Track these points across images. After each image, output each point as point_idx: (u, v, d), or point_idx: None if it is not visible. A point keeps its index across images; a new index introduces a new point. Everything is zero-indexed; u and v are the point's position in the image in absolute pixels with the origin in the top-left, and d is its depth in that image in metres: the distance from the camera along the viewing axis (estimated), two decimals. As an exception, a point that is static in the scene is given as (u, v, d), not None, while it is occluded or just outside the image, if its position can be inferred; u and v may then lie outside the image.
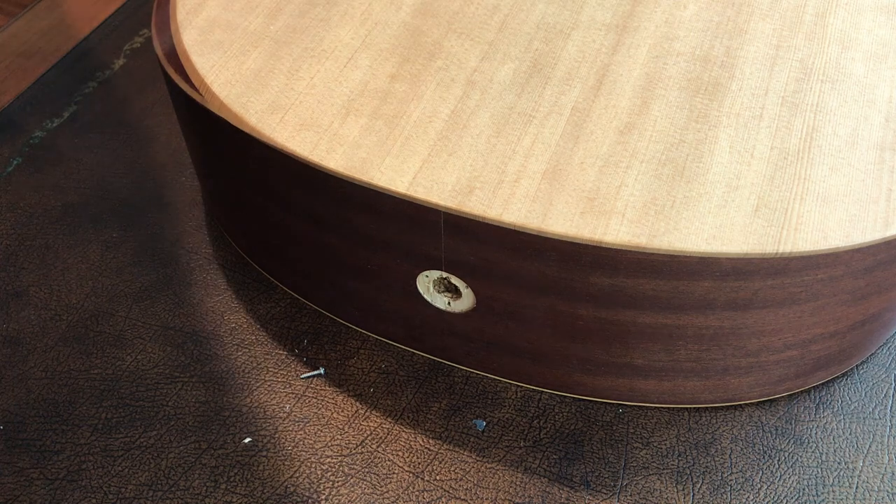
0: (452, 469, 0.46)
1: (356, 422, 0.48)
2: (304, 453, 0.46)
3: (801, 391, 0.48)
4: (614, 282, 0.40)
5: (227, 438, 0.47)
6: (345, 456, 0.46)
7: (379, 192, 0.41)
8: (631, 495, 0.45)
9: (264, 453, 0.47)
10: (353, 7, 0.48)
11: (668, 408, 0.48)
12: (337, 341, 0.51)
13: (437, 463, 0.46)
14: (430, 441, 0.47)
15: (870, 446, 0.46)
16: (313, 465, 0.46)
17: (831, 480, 0.45)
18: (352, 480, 0.45)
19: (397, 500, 0.45)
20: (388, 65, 0.45)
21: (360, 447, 0.47)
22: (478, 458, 0.46)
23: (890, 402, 0.48)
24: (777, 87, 0.44)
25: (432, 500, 0.45)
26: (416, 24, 0.47)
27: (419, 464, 0.46)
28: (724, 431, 0.47)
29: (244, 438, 0.47)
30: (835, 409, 0.47)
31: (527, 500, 0.45)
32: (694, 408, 0.48)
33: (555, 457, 0.46)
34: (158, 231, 0.57)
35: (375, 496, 0.45)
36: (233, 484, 0.45)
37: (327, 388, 0.49)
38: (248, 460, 0.46)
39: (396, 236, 0.43)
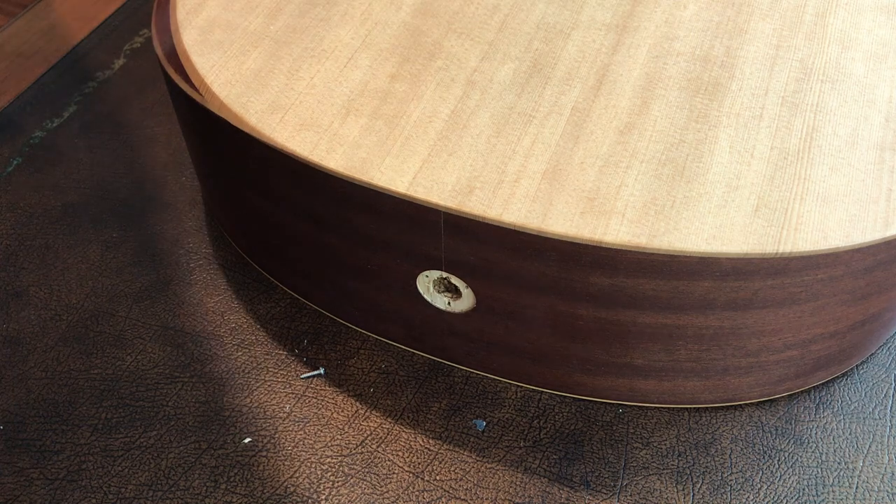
0: (452, 469, 0.46)
1: (356, 422, 0.48)
2: (304, 453, 0.46)
3: (801, 391, 0.48)
4: (614, 282, 0.40)
5: (227, 438, 0.47)
6: (345, 456, 0.46)
7: (379, 192, 0.41)
8: (631, 495, 0.45)
9: (264, 453, 0.47)
10: (353, 7, 0.48)
11: (668, 408, 0.48)
12: (337, 341, 0.51)
13: (437, 463, 0.46)
14: (430, 441, 0.47)
15: (870, 446, 0.46)
16: (313, 465, 0.46)
17: (831, 480, 0.45)
18: (352, 480, 0.45)
19: (397, 500, 0.45)
20: (388, 65, 0.45)
21: (360, 447, 0.47)
22: (478, 458, 0.46)
23: (890, 402, 0.48)
24: (777, 87, 0.44)
25: (432, 500, 0.45)
26: (416, 24, 0.47)
27: (419, 464, 0.46)
28: (724, 431, 0.47)
29: (244, 438, 0.47)
30: (835, 409, 0.47)
31: (527, 500, 0.45)
32: (694, 408, 0.48)
33: (555, 457, 0.46)
34: (158, 231, 0.57)
35: (375, 496, 0.45)
36: (233, 484, 0.45)
37: (327, 388, 0.49)
38: (248, 460, 0.46)
39: (396, 236, 0.43)
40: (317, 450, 0.47)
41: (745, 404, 0.48)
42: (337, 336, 0.51)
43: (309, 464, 0.46)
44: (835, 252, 0.38)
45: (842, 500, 0.44)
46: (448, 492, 0.45)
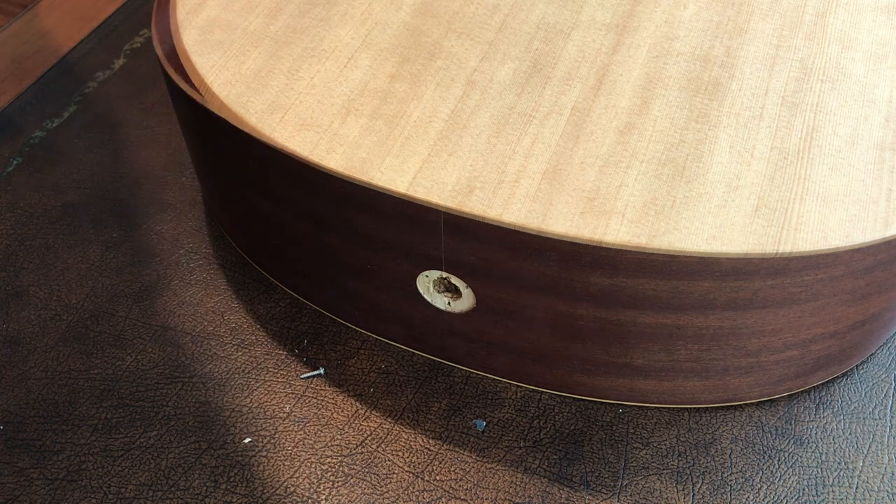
0: (452, 469, 0.46)
1: (356, 422, 0.48)
2: (304, 453, 0.46)
3: (801, 391, 0.48)
4: (614, 282, 0.40)
5: (227, 438, 0.47)
6: (345, 456, 0.46)
7: (379, 192, 0.41)
8: (631, 495, 0.45)
9: (264, 453, 0.47)
10: (353, 7, 0.48)
11: (668, 408, 0.48)
12: (337, 341, 0.51)
13: (437, 463, 0.46)
14: (430, 441, 0.47)
15: (870, 446, 0.46)
16: (313, 465, 0.46)
17: (831, 480, 0.45)
18: (352, 480, 0.45)
19: (397, 500, 0.45)
20: (388, 65, 0.45)
21: (360, 447, 0.47)
22: (478, 458, 0.46)
23: (890, 402, 0.48)
24: (777, 87, 0.44)
25: (432, 500, 0.45)
26: (416, 24, 0.47)
27: (419, 464, 0.46)
28: (724, 431, 0.47)
29: (244, 438, 0.47)
30: (835, 409, 0.47)
31: (527, 500, 0.45)
32: (694, 408, 0.48)
33: (555, 457, 0.46)
34: (158, 231, 0.57)
35: (375, 496, 0.45)
36: (233, 484, 0.45)
37: (327, 388, 0.49)
38: (248, 460, 0.46)
39: (396, 236, 0.43)
40: (317, 450, 0.47)
41: (745, 404, 0.48)
42: (337, 336, 0.51)
43: (309, 464, 0.46)
44: (835, 252, 0.38)
45: (842, 500, 0.44)
46: (448, 492, 0.45)
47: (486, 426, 0.47)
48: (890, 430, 0.47)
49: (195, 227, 0.57)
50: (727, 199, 0.39)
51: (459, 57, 0.45)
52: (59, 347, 0.51)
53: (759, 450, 0.46)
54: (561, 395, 0.48)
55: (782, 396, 0.48)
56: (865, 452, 0.46)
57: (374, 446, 0.47)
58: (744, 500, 0.44)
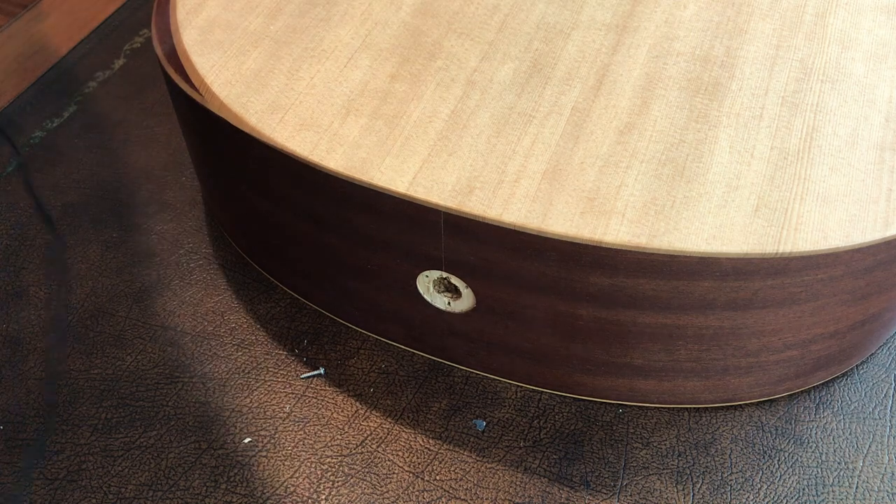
0: (452, 469, 0.46)
1: (356, 422, 0.48)
2: (304, 453, 0.46)
3: (801, 391, 0.48)
4: (614, 282, 0.40)
5: (227, 438, 0.47)
6: (345, 456, 0.46)
7: (379, 192, 0.41)
8: (631, 495, 0.45)
9: (264, 453, 0.47)
10: (353, 7, 0.48)
11: (668, 408, 0.48)
12: (337, 341, 0.51)
13: (437, 463, 0.46)
14: (430, 441, 0.47)
15: (870, 446, 0.46)
16: (313, 465, 0.46)
17: (831, 480, 0.45)
18: (352, 480, 0.45)
19: (397, 500, 0.45)
20: (388, 65, 0.45)
21: (360, 447, 0.47)
22: (478, 458, 0.46)
23: (890, 402, 0.48)
24: (777, 87, 0.44)
25: (432, 500, 0.45)
26: (416, 24, 0.47)
27: (419, 464, 0.46)
28: (724, 431, 0.47)
29: (244, 438, 0.47)
30: (835, 409, 0.47)
31: (527, 500, 0.45)
32: (694, 408, 0.48)
33: (555, 457, 0.46)
34: (158, 231, 0.57)
35: (375, 496, 0.45)
36: (233, 484, 0.45)
37: (327, 388, 0.49)
38: (248, 460, 0.46)
39: (396, 236, 0.43)
40: (317, 450, 0.47)
41: (745, 404, 0.48)
42: (337, 336, 0.51)
43: (309, 464, 0.46)
44: (835, 252, 0.38)
45: (842, 500, 0.44)
46: (448, 492, 0.45)
47: (486, 426, 0.47)
48: (890, 430, 0.47)
49: (195, 227, 0.57)
50: (727, 199, 0.39)
51: (459, 57, 0.45)
52: (59, 347, 0.51)
53: (759, 450, 0.46)
54: (561, 395, 0.48)
55: (782, 396, 0.48)
56: (865, 452, 0.46)
57: (374, 446, 0.47)
58: (744, 500, 0.44)
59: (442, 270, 0.43)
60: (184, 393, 0.49)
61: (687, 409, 0.48)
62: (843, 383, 0.48)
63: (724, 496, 0.44)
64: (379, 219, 0.42)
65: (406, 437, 0.47)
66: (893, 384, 0.48)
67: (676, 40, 0.46)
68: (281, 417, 0.48)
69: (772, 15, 0.47)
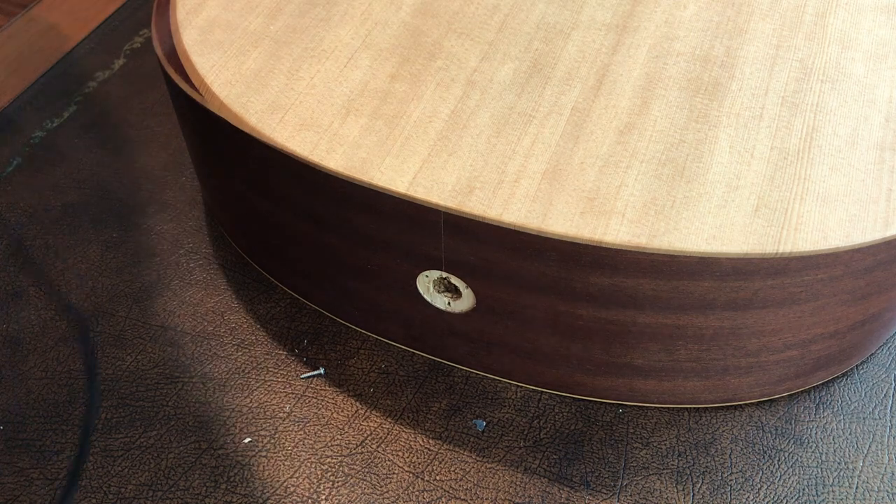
0: (452, 469, 0.46)
1: (356, 422, 0.48)
2: (304, 453, 0.46)
3: (801, 391, 0.48)
4: (614, 282, 0.40)
5: (227, 438, 0.47)
6: (345, 456, 0.46)
7: (379, 192, 0.41)
8: (631, 495, 0.45)
9: (264, 453, 0.47)
10: (353, 7, 0.48)
11: (668, 408, 0.48)
12: (337, 341, 0.51)
13: (437, 463, 0.46)
14: (430, 441, 0.47)
15: (870, 446, 0.46)
16: (313, 465, 0.46)
17: (831, 480, 0.45)
18: (352, 480, 0.45)
19: (397, 500, 0.45)
20: (388, 65, 0.45)
21: (360, 447, 0.47)
22: (478, 458, 0.46)
23: (890, 402, 0.48)
24: (777, 87, 0.44)
25: (432, 500, 0.45)
26: (416, 24, 0.47)
27: (419, 464, 0.46)
28: (724, 431, 0.47)
29: (244, 438, 0.47)
30: (835, 409, 0.47)
31: (527, 500, 0.45)
32: (694, 408, 0.48)
33: (555, 457, 0.46)
34: (158, 231, 0.57)
35: (375, 496, 0.45)
36: (233, 484, 0.45)
37: (327, 388, 0.49)
38: (248, 460, 0.46)
39: (396, 236, 0.43)
40: (317, 450, 0.47)
41: (745, 404, 0.48)
42: (337, 336, 0.51)
43: (309, 464, 0.46)
44: (835, 252, 0.38)
45: (842, 500, 0.44)
46: (448, 492, 0.45)
47: (486, 426, 0.47)
48: (890, 430, 0.47)
49: (195, 227, 0.57)
50: (727, 199, 0.39)
51: (459, 57, 0.45)
52: (59, 347, 0.51)
53: (759, 450, 0.46)
54: (561, 395, 0.48)
55: (782, 396, 0.48)
56: (865, 452, 0.46)
57: (374, 446, 0.47)
58: (744, 500, 0.44)
59: (442, 270, 0.43)
60: (184, 393, 0.49)
61: (687, 409, 0.48)
62: (843, 383, 0.48)
63: (724, 496, 0.44)
64: (379, 219, 0.42)
65: (406, 437, 0.47)
66: (893, 384, 0.48)
67: (676, 40, 0.46)
68: (281, 417, 0.48)
69: (772, 15, 0.47)
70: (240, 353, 0.51)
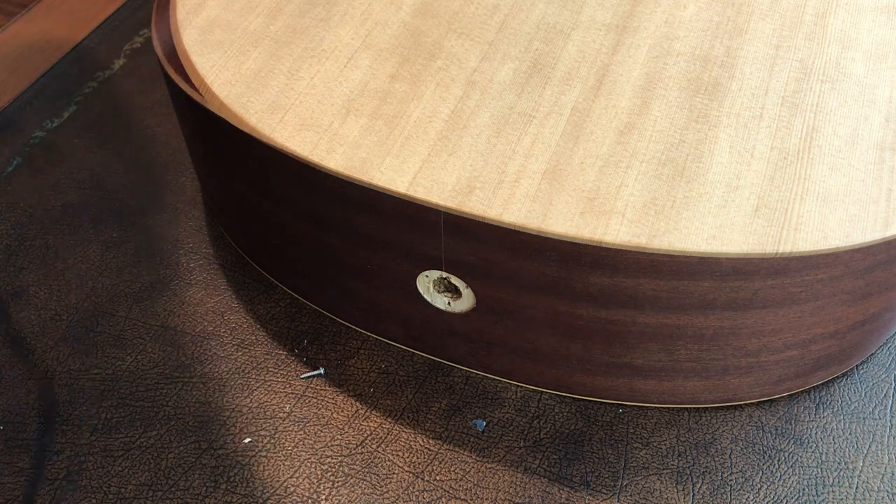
0: (452, 469, 0.46)
1: (356, 422, 0.48)
2: (304, 453, 0.46)
3: (801, 391, 0.48)
4: (614, 282, 0.40)
5: (227, 438, 0.47)
6: (345, 456, 0.46)
7: (379, 192, 0.41)
8: (631, 495, 0.45)
9: (264, 453, 0.47)
10: (353, 7, 0.48)
11: (668, 408, 0.48)
12: (337, 341, 0.51)
13: (437, 463, 0.46)
14: (430, 441, 0.47)
15: (870, 446, 0.46)
16: (313, 465, 0.46)
17: (831, 480, 0.45)
18: (352, 480, 0.45)
19: (397, 500, 0.45)
20: (388, 65, 0.45)
21: (360, 447, 0.47)
22: (478, 458, 0.46)
23: (890, 402, 0.48)
24: (777, 87, 0.44)
25: (432, 500, 0.45)
26: (416, 24, 0.47)
27: (419, 464, 0.46)
28: (724, 431, 0.47)
29: (244, 438, 0.47)
30: (835, 409, 0.47)
31: (527, 500, 0.45)
32: (694, 408, 0.48)
33: (555, 457, 0.46)
34: (158, 231, 0.57)
35: (375, 496, 0.45)
36: (233, 484, 0.45)
37: (327, 388, 0.49)
38: (248, 460, 0.46)
39: (396, 236, 0.43)
40: (317, 450, 0.47)
41: (745, 404, 0.48)
42: (337, 336, 0.51)
43: (309, 464, 0.46)
44: (835, 252, 0.38)
45: (842, 500, 0.44)
46: (448, 492, 0.45)
47: (486, 426, 0.47)
48: (890, 430, 0.47)
49: (195, 227, 0.57)
50: (727, 199, 0.39)
51: (459, 57, 0.45)
52: (59, 347, 0.51)
53: (759, 450, 0.46)
54: (561, 395, 0.48)
55: (782, 396, 0.48)
56: (865, 452, 0.46)
57: (374, 446, 0.47)
58: (744, 500, 0.44)
59: (442, 270, 0.43)
60: (184, 393, 0.49)
61: (687, 409, 0.48)
62: (843, 383, 0.48)
63: (724, 496, 0.44)
64: (379, 219, 0.42)
65: (406, 437, 0.47)
66: (893, 384, 0.48)
67: (676, 40, 0.46)
68: (281, 417, 0.48)
69: (772, 15, 0.47)
70: (240, 353, 0.51)
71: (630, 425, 0.47)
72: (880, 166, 0.40)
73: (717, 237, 0.38)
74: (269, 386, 0.49)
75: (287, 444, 0.47)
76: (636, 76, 0.44)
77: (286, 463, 0.46)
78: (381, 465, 0.46)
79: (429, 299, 0.46)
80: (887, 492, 0.44)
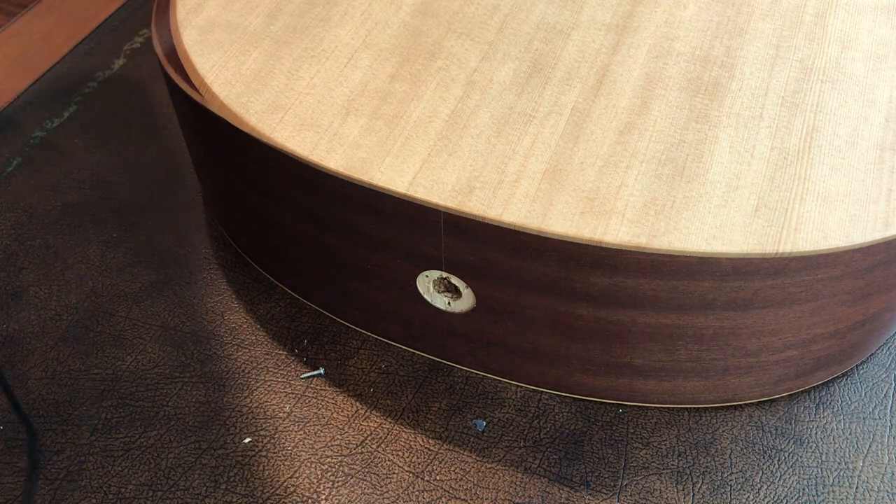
0: (452, 469, 0.46)
1: (356, 422, 0.48)
2: (304, 453, 0.46)
3: (801, 391, 0.48)
4: (614, 282, 0.40)
5: (227, 438, 0.47)
6: (345, 456, 0.46)
7: (379, 192, 0.41)
8: (631, 495, 0.45)
9: (264, 453, 0.47)
10: (353, 7, 0.48)
11: (668, 408, 0.48)
12: (337, 341, 0.51)
13: (437, 463, 0.46)
14: (430, 441, 0.47)
15: (870, 446, 0.46)
16: (313, 465, 0.46)
17: (831, 480, 0.45)
18: (352, 480, 0.45)
19: (397, 500, 0.45)
20: (388, 65, 0.45)
21: (360, 447, 0.47)
22: (478, 458, 0.46)
23: (890, 402, 0.48)
24: (777, 87, 0.44)
25: (432, 500, 0.45)
26: (416, 24, 0.47)
27: (419, 464, 0.46)
28: (724, 431, 0.47)
29: (244, 438, 0.47)
30: (835, 409, 0.47)
31: (527, 500, 0.45)
32: (694, 408, 0.48)
33: (555, 457, 0.46)
34: (158, 231, 0.57)
35: (375, 496, 0.45)
36: (233, 484, 0.45)
37: (327, 388, 0.49)
38: (248, 460, 0.46)
39: (396, 236, 0.43)
40: (317, 450, 0.47)
41: (745, 404, 0.48)
42: (337, 336, 0.51)
43: (309, 464, 0.46)
44: (835, 252, 0.38)
45: (842, 500, 0.44)
46: (448, 492, 0.45)
47: (486, 426, 0.47)
48: (890, 430, 0.47)
49: (195, 227, 0.57)
50: (727, 199, 0.39)
51: (459, 57, 0.45)
52: (59, 347, 0.51)
53: (759, 450, 0.46)
54: (561, 395, 0.48)
55: (782, 396, 0.48)
56: (865, 452, 0.46)
57: (374, 446, 0.47)
58: (744, 500, 0.44)
59: (442, 270, 0.43)
60: (184, 393, 0.49)
61: (687, 409, 0.48)
62: (843, 383, 0.48)
63: (724, 496, 0.44)
64: (379, 219, 0.42)
65: (406, 437, 0.47)
66: (893, 384, 0.48)
67: (676, 40, 0.46)
68: (281, 417, 0.48)
69: (772, 15, 0.47)
70: (240, 353, 0.51)
71: (630, 425, 0.47)
72: (880, 166, 0.40)
73: (717, 237, 0.38)
74: (269, 386, 0.49)
75: (287, 444, 0.47)
76: (636, 76, 0.44)
77: (286, 463, 0.46)
78: (381, 465, 0.46)
79: (429, 299, 0.46)
80: (887, 492, 0.44)
